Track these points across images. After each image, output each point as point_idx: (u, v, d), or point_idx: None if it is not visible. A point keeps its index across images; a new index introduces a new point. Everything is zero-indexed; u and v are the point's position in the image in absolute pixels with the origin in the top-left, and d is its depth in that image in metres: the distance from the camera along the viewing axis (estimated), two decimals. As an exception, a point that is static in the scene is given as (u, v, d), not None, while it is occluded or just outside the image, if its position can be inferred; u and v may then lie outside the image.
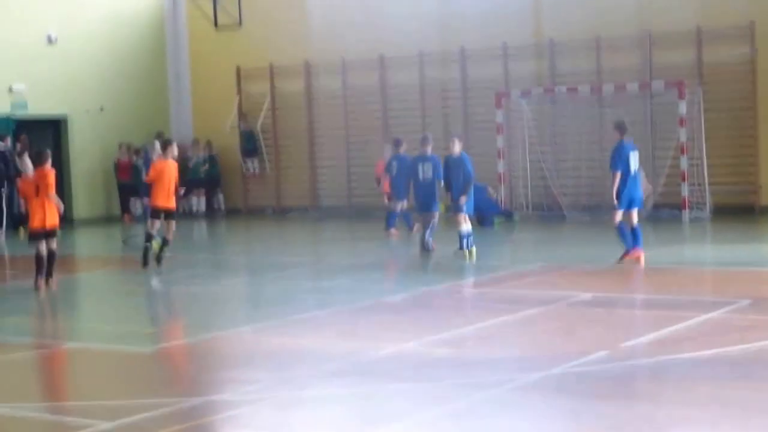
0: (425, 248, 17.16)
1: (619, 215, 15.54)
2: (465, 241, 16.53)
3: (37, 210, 14.97)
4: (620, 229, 15.58)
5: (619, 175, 15.47)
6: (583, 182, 23.65)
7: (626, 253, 15.47)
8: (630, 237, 15.52)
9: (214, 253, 20.40)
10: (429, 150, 17.70)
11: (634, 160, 15.59)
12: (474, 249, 16.57)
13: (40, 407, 8.76)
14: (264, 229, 25.00)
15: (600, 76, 23.80)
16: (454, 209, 16.80)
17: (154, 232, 16.89)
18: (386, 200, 21.16)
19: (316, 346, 10.72)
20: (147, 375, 9.90)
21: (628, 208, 15.61)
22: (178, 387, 9.24)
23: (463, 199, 16.52)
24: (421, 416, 8.02)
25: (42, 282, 14.96)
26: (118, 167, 27.41)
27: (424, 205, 17.45)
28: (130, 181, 27.25)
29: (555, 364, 9.24)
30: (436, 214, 17.47)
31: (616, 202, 15.50)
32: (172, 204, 16.88)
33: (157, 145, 17.39)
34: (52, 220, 15.04)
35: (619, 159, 15.52)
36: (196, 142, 28.62)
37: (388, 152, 20.93)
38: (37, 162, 15.21)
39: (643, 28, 23.45)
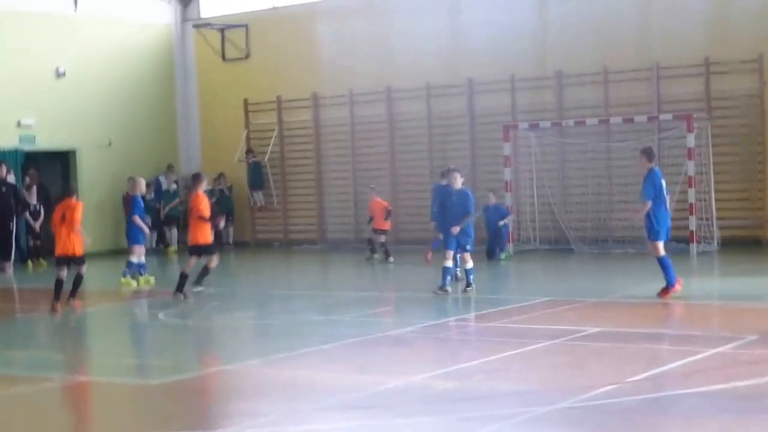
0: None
1: (660, 246, 15.14)
2: (472, 277, 16.51)
3: (61, 237, 15.63)
4: (663, 261, 15.09)
5: (649, 204, 15.07)
6: (591, 215, 23.61)
7: (671, 286, 15.09)
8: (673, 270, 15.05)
9: (223, 285, 20.36)
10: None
11: (665, 188, 15.19)
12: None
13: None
14: (272, 262, 24.98)
15: (608, 109, 23.82)
16: (455, 245, 16.59)
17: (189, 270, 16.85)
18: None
19: (323, 380, 10.69)
20: (153, 408, 9.87)
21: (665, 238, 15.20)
22: (185, 420, 9.20)
23: (455, 230, 16.31)
24: (427, 451, 7.98)
25: (59, 306, 15.20)
26: (126, 201, 27.34)
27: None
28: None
29: (561, 398, 9.20)
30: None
31: (648, 233, 15.09)
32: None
33: (203, 180, 17.38)
34: (76, 248, 15.59)
35: (652, 186, 15.13)
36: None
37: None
38: (65, 193, 16.24)
39: (651, 60, 23.49)
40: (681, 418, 8.72)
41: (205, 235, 16.81)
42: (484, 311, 15.00)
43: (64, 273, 15.70)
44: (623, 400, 9.16)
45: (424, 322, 14.19)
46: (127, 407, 9.97)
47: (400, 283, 18.42)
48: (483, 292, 16.86)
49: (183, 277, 16.71)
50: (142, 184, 19.76)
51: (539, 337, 12.51)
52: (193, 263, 16.86)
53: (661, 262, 15.18)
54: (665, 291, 15.19)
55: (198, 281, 17.06)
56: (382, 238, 22.69)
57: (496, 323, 13.80)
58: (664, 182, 15.38)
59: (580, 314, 14.55)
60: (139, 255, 19.61)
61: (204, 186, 17.32)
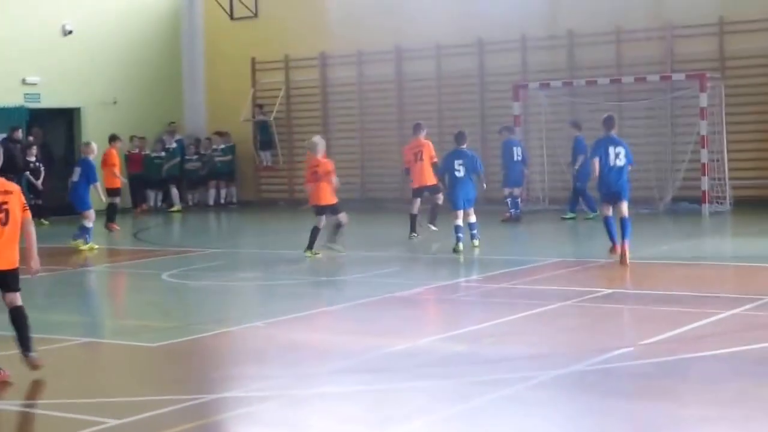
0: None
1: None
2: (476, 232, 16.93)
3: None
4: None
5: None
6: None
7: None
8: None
9: (227, 246, 20.20)
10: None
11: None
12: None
13: (47, 404, 8.57)
14: (276, 222, 24.79)
15: (620, 68, 23.51)
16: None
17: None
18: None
19: (329, 342, 10.52)
20: (156, 371, 9.71)
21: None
22: (188, 384, 9.02)
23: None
24: (436, 415, 7.80)
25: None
26: (129, 159, 27.26)
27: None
28: (141, 172, 27.17)
29: (575, 362, 9.01)
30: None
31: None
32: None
33: (320, 142, 17.12)
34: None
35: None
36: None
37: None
38: None
39: (664, 18, 23.14)
40: (696, 381, 8.52)
41: (328, 195, 16.76)
42: (494, 272, 14.77)
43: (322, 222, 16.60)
44: (637, 363, 8.98)
45: (433, 283, 14.00)
46: (129, 370, 9.80)
47: (408, 244, 18.19)
48: (492, 252, 16.65)
49: (315, 231, 16.81)
50: (94, 147, 19.46)
51: (550, 298, 12.32)
52: (323, 223, 16.86)
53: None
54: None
55: (332, 239, 16.88)
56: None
57: (506, 284, 13.59)
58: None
59: (592, 275, 14.36)
60: (90, 219, 18.92)
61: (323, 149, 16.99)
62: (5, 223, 8.98)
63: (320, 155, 16.86)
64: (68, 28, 26.62)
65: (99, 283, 16.27)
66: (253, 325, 11.33)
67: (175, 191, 27.57)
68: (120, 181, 22.39)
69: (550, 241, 18.81)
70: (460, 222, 16.62)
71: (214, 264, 16.75)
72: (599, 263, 15.16)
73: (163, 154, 27.68)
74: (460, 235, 16.50)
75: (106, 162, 22.13)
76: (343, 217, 16.88)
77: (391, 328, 11.16)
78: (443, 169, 17.24)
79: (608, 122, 15.29)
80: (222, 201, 28.12)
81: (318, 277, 15.18)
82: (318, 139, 17.22)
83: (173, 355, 10.18)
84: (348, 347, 10.19)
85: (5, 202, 8.99)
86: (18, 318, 9.20)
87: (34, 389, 8.95)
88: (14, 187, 9.21)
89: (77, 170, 19.23)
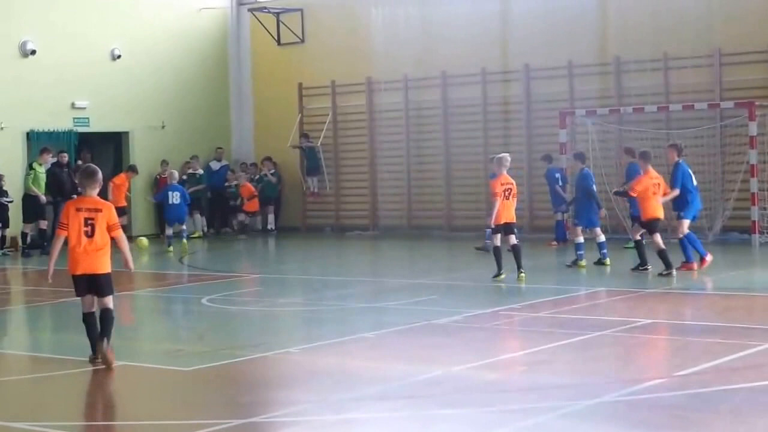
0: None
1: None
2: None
3: None
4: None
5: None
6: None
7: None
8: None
9: (271, 271, 20.23)
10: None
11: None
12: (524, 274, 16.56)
13: (78, 426, 8.60)
14: (322, 248, 24.78)
15: (668, 96, 23.30)
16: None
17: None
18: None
19: (363, 368, 10.47)
20: (187, 396, 9.69)
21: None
22: (217, 408, 9.00)
23: None
24: (463, 444, 7.71)
25: None
26: (159, 184, 27.25)
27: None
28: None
29: (606, 392, 8.88)
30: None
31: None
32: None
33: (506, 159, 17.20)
34: None
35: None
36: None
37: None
38: None
39: (712, 45, 22.90)
40: (729, 414, 8.35)
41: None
42: (534, 300, 14.64)
43: None
44: (670, 395, 8.82)
45: (472, 311, 13.89)
46: (162, 394, 9.81)
47: (452, 271, 18.10)
48: (534, 281, 16.52)
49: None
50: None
51: (588, 328, 12.17)
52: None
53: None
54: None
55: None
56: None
57: (545, 313, 13.46)
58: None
59: (633, 305, 14.19)
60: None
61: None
62: (91, 236, 10.45)
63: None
64: (117, 52, 26.91)
65: (139, 306, 16.33)
66: (286, 351, 11.30)
67: (198, 217, 27.53)
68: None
69: (591, 270, 18.57)
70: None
71: (255, 289, 16.78)
72: (641, 293, 14.98)
73: (185, 178, 27.54)
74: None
75: (116, 184, 24.32)
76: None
77: (425, 355, 11.07)
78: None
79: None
80: (269, 227, 28.00)
81: (358, 303, 15.12)
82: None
83: (205, 380, 10.17)
84: (379, 374, 10.14)
85: (92, 218, 10.44)
86: (106, 318, 10.59)
87: (65, 412, 8.98)
88: (104, 204, 10.67)
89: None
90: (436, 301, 14.85)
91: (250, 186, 27.37)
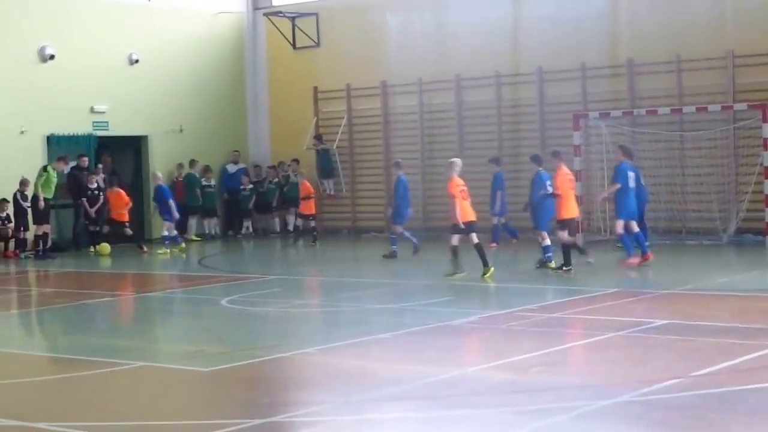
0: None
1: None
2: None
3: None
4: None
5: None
6: (663, 206, 23.11)
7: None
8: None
9: (288, 273, 20.37)
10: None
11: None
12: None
13: (99, 427, 8.72)
14: (339, 250, 24.90)
15: (681, 98, 23.35)
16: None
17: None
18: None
19: (380, 369, 10.58)
20: (206, 396, 9.83)
21: None
22: (236, 408, 9.12)
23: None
24: (479, 443, 7.82)
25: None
26: (176, 186, 27.27)
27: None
28: (182, 201, 26.77)
29: (621, 392, 8.97)
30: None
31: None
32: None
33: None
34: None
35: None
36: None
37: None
38: None
39: (725, 47, 22.95)
40: (745, 415, 8.43)
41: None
42: (549, 302, 14.74)
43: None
44: (685, 395, 8.90)
45: (486, 312, 14.00)
46: (181, 394, 9.94)
47: (468, 272, 18.17)
48: (549, 282, 16.61)
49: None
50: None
51: (603, 328, 12.26)
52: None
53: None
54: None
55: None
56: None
57: (560, 314, 13.56)
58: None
59: (648, 306, 14.28)
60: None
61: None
62: None
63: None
64: (135, 57, 27.10)
65: (158, 308, 16.48)
66: (305, 352, 11.43)
67: (192, 222, 27.63)
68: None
69: (609, 271, 18.64)
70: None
71: (274, 290, 16.90)
72: (656, 294, 15.06)
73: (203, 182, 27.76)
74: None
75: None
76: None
77: (441, 356, 11.19)
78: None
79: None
80: (290, 228, 28.02)
81: (375, 304, 15.24)
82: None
83: (223, 380, 10.30)
84: (396, 374, 10.25)
85: None
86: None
87: (85, 412, 9.12)
88: None
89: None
90: (451, 303, 14.96)
91: (309, 185, 25.59)
